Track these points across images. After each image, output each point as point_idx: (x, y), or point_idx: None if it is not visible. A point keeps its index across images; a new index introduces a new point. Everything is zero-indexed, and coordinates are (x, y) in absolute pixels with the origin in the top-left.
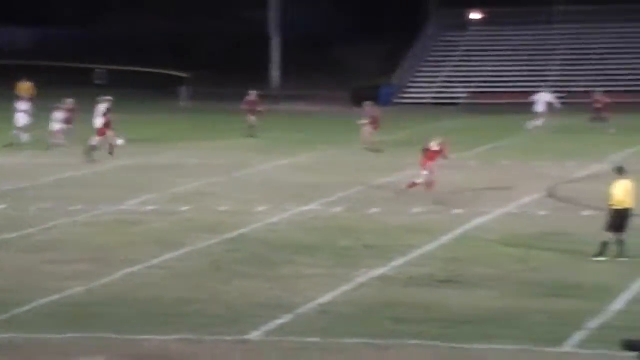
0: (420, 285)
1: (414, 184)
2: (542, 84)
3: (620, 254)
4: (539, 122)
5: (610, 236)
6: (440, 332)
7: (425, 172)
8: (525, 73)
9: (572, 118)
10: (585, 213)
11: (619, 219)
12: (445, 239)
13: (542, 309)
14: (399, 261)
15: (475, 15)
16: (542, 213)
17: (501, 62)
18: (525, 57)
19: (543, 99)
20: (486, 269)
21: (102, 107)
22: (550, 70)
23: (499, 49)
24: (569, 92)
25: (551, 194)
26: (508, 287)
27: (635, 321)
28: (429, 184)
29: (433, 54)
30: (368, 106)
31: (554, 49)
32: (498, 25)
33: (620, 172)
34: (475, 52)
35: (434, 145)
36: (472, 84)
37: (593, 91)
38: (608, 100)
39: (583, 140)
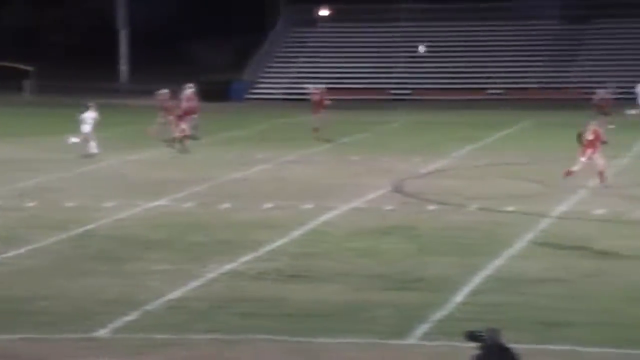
0: (269, 280)
1: (570, 172)
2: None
3: None
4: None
5: None
6: (288, 326)
7: (583, 159)
8: (373, 70)
9: (420, 114)
10: (430, 207)
11: None
12: (294, 234)
13: (388, 302)
14: (249, 256)
15: (323, 12)
16: (389, 208)
17: (349, 59)
18: (373, 54)
19: None
20: (333, 263)
21: None
22: (396, 67)
23: (347, 45)
24: (413, 89)
25: (397, 189)
26: (354, 281)
27: (477, 313)
28: (600, 174)
29: (283, 49)
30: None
31: (401, 46)
32: (346, 22)
33: None
34: (325, 49)
35: (589, 134)
36: (322, 80)
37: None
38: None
39: (428, 136)
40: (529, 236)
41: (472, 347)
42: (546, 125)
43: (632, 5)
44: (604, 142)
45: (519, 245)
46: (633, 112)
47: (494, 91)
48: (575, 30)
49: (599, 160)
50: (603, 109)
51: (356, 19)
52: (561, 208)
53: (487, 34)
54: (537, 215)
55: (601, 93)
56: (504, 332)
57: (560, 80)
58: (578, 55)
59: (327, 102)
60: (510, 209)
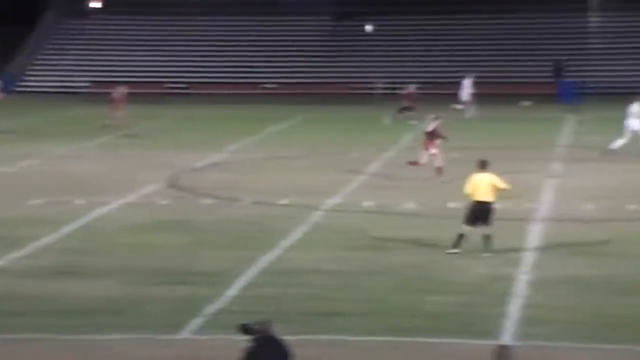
0: (37, 278)
1: (416, 163)
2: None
3: (486, 249)
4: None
5: (467, 229)
6: (57, 324)
7: (428, 153)
8: (147, 63)
9: (195, 108)
10: (205, 201)
11: (477, 212)
12: (66, 230)
13: (162, 297)
14: (17, 253)
15: (95, 4)
16: (163, 202)
17: (123, 52)
18: (148, 47)
19: None
20: (106, 259)
21: None
22: (172, 61)
23: (121, 38)
24: (189, 83)
25: (171, 184)
26: (128, 276)
27: (251, 305)
28: (438, 169)
29: (54, 41)
30: None
31: (176, 40)
32: (120, 14)
33: (482, 166)
34: (97, 41)
35: (429, 127)
36: (95, 73)
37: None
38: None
39: (204, 130)
40: (303, 228)
41: (245, 340)
42: (319, 119)
43: (404, 3)
44: (442, 138)
45: (293, 237)
46: (459, 107)
47: (268, 86)
48: (347, 27)
49: (435, 155)
50: (409, 104)
51: (130, 11)
52: (334, 201)
53: (262, 30)
54: (311, 208)
55: (410, 88)
56: (277, 323)
57: (331, 75)
58: (350, 51)
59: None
60: (284, 202)
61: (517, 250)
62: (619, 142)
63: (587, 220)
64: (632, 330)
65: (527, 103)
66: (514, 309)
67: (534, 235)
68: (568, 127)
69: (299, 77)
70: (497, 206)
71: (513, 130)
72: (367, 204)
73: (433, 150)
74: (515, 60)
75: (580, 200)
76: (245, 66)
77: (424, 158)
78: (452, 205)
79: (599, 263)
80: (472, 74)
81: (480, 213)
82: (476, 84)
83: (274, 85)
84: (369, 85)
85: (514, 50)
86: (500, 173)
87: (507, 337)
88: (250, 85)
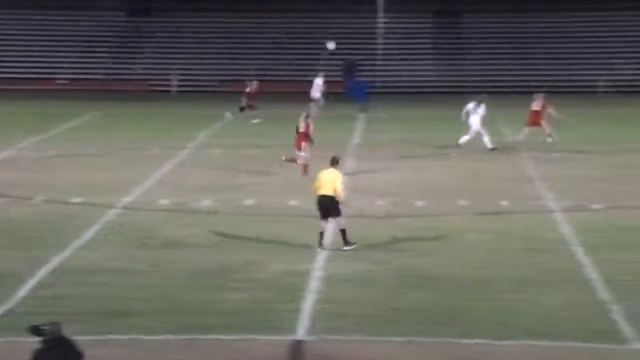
0: None
1: (291, 160)
2: None
3: (344, 243)
4: None
5: (322, 224)
6: None
7: (301, 154)
8: None
9: None
10: None
11: (322, 206)
12: None
13: None
14: None
15: None
16: None
17: None
18: None
19: None
20: None
21: None
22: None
23: None
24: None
25: None
26: None
27: (41, 306)
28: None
29: None
30: None
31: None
32: None
33: (333, 162)
34: None
35: (301, 126)
36: None
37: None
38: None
39: None
40: (96, 227)
41: (35, 342)
42: (114, 116)
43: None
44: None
45: (86, 236)
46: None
47: (61, 81)
48: (140, 23)
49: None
50: (251, 102)
51: None
52: (128, 199)
53: (55, 24)
54: (104, 207)
55: (254, 85)
56: (68, 324)
57: (125, 72)
58: (142, 47)
59: None
60: (77, 200)
61: (312, 246)
62: (464, 138)
63: (378, 216)
64: (418, 322)
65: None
66: (309, 304)
67: (329, 231)
68: (357, 125)
69: (91, 72)
70: (292, 203)
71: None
72: (163, 202)
73: (302, 150)
74: (305, 59)
75: (371, 196)
76: (37, 61)
77: (300, 157)
78: (248, 202)
79: (387, 258)
80: (322, 72)
81: (324, 206)
82: (265, 83)
83: (66, 81)
84: (167, 82)
85: (303, 49)
86: (295, 170)
87: (301, 332)
88: (42, 80)
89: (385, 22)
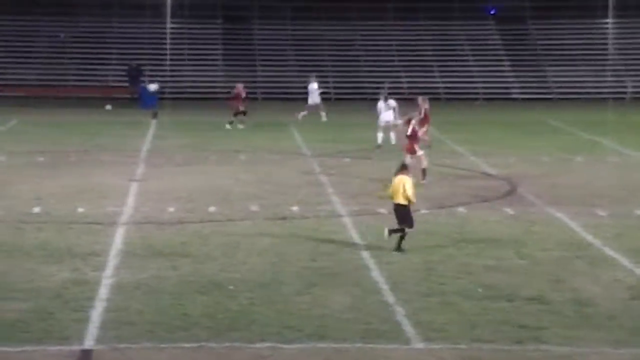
0: None
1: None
2: None
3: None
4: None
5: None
6: None
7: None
8: None
9: None
10: None
11: (396, 214)
12: None
13: None
14: None
15: None
16: None
17: None
18: None
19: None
20: None
21: None
22: None
23: None
24: None
25: None
26: None
27: None
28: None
29: None
30: None
31: None
32: None
33: (402, 168)
34: None
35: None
36: None
37: None
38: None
39: None
40: None
41: None
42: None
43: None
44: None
45: None
46: (303, 113)
47: None
48: None
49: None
50: (237, 106)
51: None
52: None
53: None
54: None
55: (239, 88)
56: None
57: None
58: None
59: None
60: None
61: (100, 254)
62: (379, 137)
63: (168, 222)
64: (208, 328)
65: (109, 107)
66: (96, 313)
67: (118, 238)
68: (148, 131)
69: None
70: (80, 210)
71: (96, 133)
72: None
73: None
74: (91, 63)
75: (162, 203)
76: None
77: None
78: (35, 210)
79: (177, 264)
80: (314, 76)
81: (400, 215)
82: (47, 88)
83: None
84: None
85: (89, 53)
86: (82, 176)
87: (88, 341)
88: None
89: (173, 28)
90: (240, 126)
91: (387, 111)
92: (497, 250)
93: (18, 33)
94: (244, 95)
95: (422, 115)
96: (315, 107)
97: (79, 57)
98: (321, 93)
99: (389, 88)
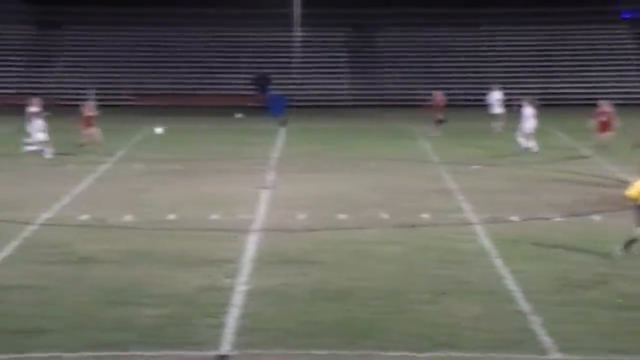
0: None
1: None
2: None
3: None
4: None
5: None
6: None
7: None
8: None
9: None
10: None
11: (636, 216)
12: None
13: None
14: None
15: None
16: None
17: None
18: None
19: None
20: None
21: None
22: None
23: None
24: None
25: None
26: None
27: None
28: None
29: None
30: None
31: None
32: None
33: None
34: None
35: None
36: None
37: None
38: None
39: None
40: (14, 244)
41: None
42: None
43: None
44: None
45: (3, 253)
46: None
47: None
48: (50, 36)
49: None
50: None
51: None
52: (46, 215)
53: None
54: (22, 223)
55: (438, 96)
56: None
57: (36, 86)
58: (53, 61)
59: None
60: None
61: (233, 261)
62: (522, 142)
63: (299, 229)
64: (338, 335)
65: (239, 115)
66: (230, 319)
67: (250, 245)
68: (278, 138)
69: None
70: (213, 217)
71: (226, 141)
72: (82, 217)
73: None
74: (220, 72)
75: (292, 210)
76: None
77: None
78: (170, 217)
79: (308, 271)
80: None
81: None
82: (179, 97)
83: None
84: (80, 97)
85: (218, 62)
86: (215, 184)
87: (224, 347)
88: None
89: (301, 36)
90: (435, 134)
91: (532, 118)
92: (633, 260)
93: (154, 44)
94: (442, 103)
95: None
96: (496, 117)
97: (210, 67)
98: (507, 105)
99: (518, 95)
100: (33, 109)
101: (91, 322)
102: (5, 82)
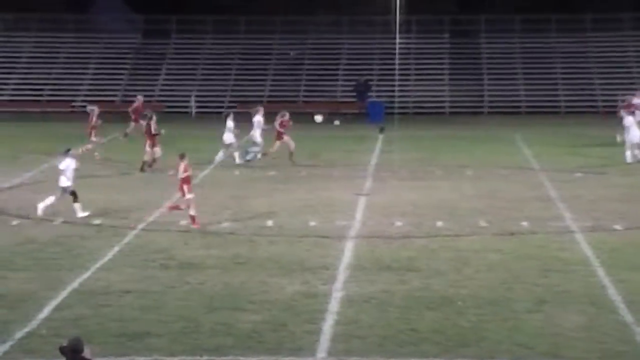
0: None
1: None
2: None
3: None
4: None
5: None
6: None
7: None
8: None
9: (2, 127)
10: (14, 222)
11: None
12: None
13: None
14: None
15: None
16: None
17: None
18: None
19: None
20: None
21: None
22: None
23: None
24: None
25: None
26: None
27: (61, 328)
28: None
29: None
30: None
31: None
32: None
33: None
34: None
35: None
36: None
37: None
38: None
39: (10, 149)
40: (116, 249)
41: None
42: (130, 138)
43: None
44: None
45: (105, 257)
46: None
47: (79, 104)
48: (157, 45)
49: None
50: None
51: None
52: (148, 219)
53: (70, 46)
54: (124, 227)
55: (139, 100)
56: (89, 345)
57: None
58: (160, 68)
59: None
60: (97, 222)
61: (330, 267)
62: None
63: (396, 236)
64: (437, 343)
65: (337, 122)
66: (327, 325)
67: (347, 252)
68: (376, 145)
69: (110, 94)
70: (311, 224)
71: (324, 148)
72: (183, 222)
73: None
74: (321, 79)
75: (389, 217)
76: (53, 84)
77: None
78: (268, 223)
79: (406, 279)
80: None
81: None
82: (282, 104)
83: (84, 104)
84: (185, 104)
85: (320, 69)
86: (312, 190)
87: (321, 353)
88: (60, 103)
89: (401, 43)
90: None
91: (635, 126)
92: None
93: (253, 52)
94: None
95: None
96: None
97: (308, 74)
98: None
99: (622, 101)
100: (258, 117)
101: (194, 327)
102: (111, 91)
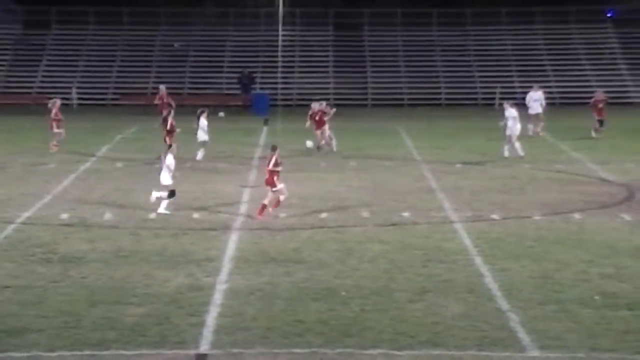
0: None
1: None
2: None
3: None
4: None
5: None
6: None
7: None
8: None
9: None
10: None
11: None
12: None
13: None
14: None
15: None
16: None
17: None
18: None
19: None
20: None
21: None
22: None
23: None
24: None
25: None
26: None
27: None
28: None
29: None
30: None
31: None
32: None
33: None
34: None
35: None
36: None
37: None
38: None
39: None
40: None
41: None
42: (8, 131)
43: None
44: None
45: None
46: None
47: None
48: (38, 36)
49: None
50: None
51: None
52: (26, 214)
53: None
54: (3, 222)
55: (162, 90)
56: None
57: (24, 85)
58: (41, 59)
59: None
60: None
61: (214, 259)
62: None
63: (281, 228)
64: (321, 334)
65: (222, 114)
66: (211, 318)
67: (231, 244)
68: (260, 138)
69: None
70: (195, 216)
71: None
72: (64, 216)
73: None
74: (206, 71)
75: (275, 209)
76: None
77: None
78: (151, 216)
79: (291, 270)
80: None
81: None
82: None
83: None
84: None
85: (204, 61)
86: (197, 183)
87: (204, 346)
88: None
89: (285, 35)
90: (594, 134)
91: (514, 119)
92: (615, 258)
93: (136, 43)
94: (600, 105)
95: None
96: (535, 118)
97: (193, 66)
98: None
99: (501, 93)
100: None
101: (76, 322)
102: None
